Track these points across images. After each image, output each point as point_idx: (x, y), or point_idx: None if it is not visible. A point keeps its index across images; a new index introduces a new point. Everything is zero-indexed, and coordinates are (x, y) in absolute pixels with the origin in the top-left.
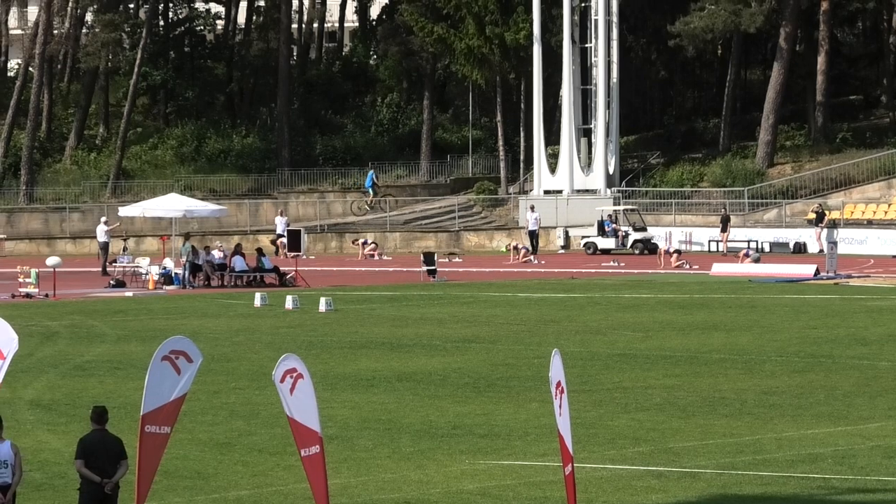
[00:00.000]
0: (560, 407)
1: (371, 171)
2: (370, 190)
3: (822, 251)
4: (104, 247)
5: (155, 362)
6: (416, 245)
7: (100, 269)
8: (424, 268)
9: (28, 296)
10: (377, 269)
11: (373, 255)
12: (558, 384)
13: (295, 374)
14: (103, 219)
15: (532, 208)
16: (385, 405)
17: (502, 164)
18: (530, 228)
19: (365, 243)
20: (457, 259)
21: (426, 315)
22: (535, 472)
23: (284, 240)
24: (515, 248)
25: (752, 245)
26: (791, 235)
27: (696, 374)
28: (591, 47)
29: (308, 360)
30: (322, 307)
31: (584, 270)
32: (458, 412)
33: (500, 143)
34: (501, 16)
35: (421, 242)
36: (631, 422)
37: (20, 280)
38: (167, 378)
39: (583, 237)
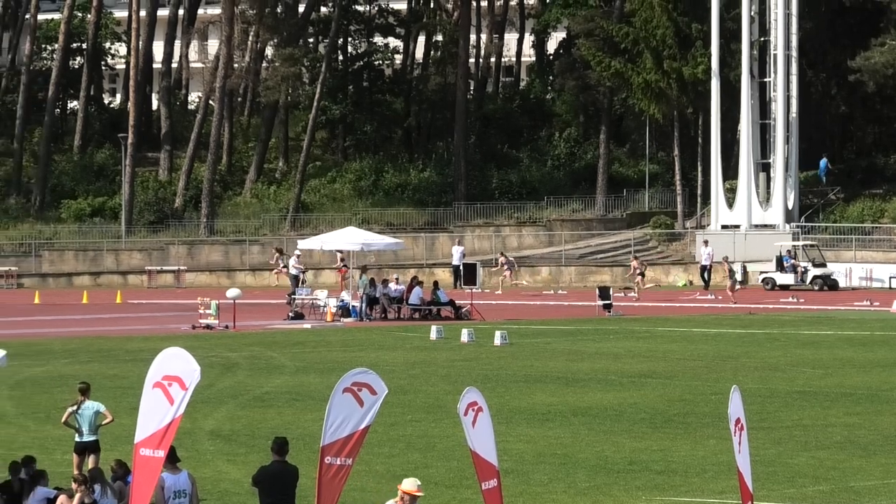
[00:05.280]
0: (739, 444)
1: (824, 160)
2: (823, 179)
3: None
4: (294, 279)
5: (336, 394)
6: (592, 279)
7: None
8: (600, 302)
9: (208, 327)
10: (552, 302)
11: (510, 272)
12: (738, 421)
13: (476, 408)
14: (296, 251)
15: (706, 243)
16: (560, 440)
17: (679, 199)
18: (703, 263)
19: (504, 264)
20: (632, 294)
21: (601, 349)
22: None
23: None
24: (732, 273)
25: None
26: None
27: (878, 413)
28: (769, 81)
29: (483, 394)
30: (497, 340)
31: (762, 306)
32: (634, 448)
33: (677, 177)
34: (679, 50)
35: (596, 277)
36: (811, 460)
37: (201, 311)
38: (349, 410)
39: (761, 272)
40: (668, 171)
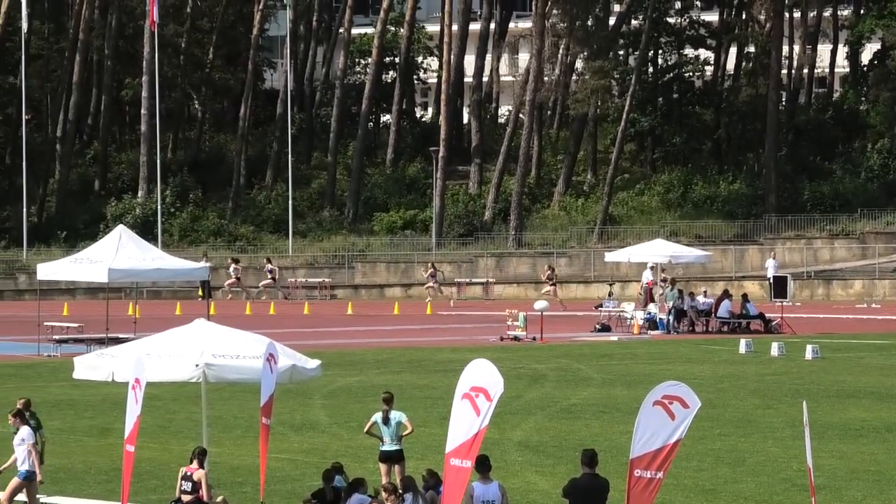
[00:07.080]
0: None
1: None
2: None
3: None
4: (647, 293)
5: (646, 406)
6: None
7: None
8: None
9: (516, 339)
10: (865, 316)
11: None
12: None
13: (806, 422)
14: (649, 265)
15: None
16: (874, 456)
17: None
18: None
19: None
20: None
21: None
22: None
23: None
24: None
25: None
26: None
27: None
28: None
29: (795, 408)
30: (808, 354)
31: None
32: None
33: None
34: None
35: None
36: None
37: (508, 323)
38: (659, 423)
39: None
40: None
